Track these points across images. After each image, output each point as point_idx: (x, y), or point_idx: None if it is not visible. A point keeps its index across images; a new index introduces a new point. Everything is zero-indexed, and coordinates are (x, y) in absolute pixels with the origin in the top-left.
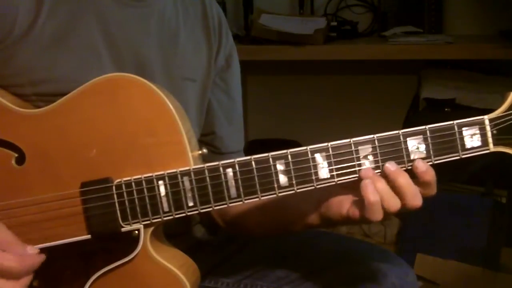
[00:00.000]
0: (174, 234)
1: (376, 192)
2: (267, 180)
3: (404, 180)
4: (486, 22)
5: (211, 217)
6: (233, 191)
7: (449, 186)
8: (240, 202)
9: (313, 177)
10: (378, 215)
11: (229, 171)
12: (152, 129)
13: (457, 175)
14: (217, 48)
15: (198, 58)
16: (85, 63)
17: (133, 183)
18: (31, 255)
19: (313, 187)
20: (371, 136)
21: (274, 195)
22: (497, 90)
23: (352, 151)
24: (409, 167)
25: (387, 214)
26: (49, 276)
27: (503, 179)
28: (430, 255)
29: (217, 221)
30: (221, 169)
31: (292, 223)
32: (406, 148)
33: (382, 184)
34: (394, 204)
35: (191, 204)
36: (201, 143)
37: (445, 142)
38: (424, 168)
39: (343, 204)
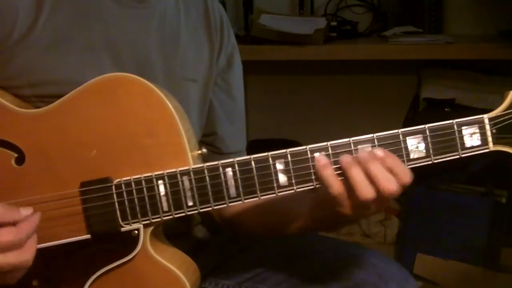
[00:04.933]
0: (174, 234)
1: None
2: (267, 179)
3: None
4: (486, 22)
5: (211, 216)
6: (232, 191)
7: (449, 186)
8: (240, 202)
9: (313, 177)
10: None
11: (229, 170)
12: (152, 129)
13: (457, 175)
14: (219, 48)
15: (200, 59)
16: (85, 65)
17: (132, 183)
18: (26, 220)
19: (312, 187)
20: (371, 135)
21: (274, 195)
22: (497, 90)
23: (351, 150)
24: (409, 167)
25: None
26: (49, 275)
27: (503, 179)
28: (430, 255)
29: (215, 219)
30: (220, 168)
31: (286, 226)
32: (406, 147)
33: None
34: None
35: (190, 203)
36: (202, 143)
37: (444, 141)
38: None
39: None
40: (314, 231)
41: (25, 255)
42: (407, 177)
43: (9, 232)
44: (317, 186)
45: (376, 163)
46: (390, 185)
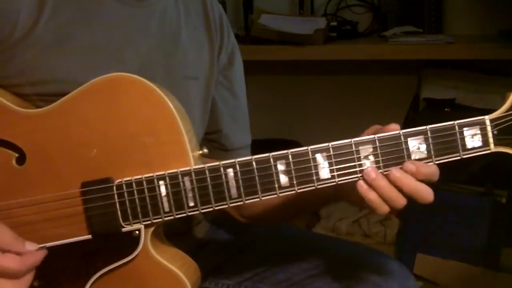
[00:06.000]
0: (174, 234)
1: (371, 190)
2: (268, 180)
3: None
4: (486, 22)
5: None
6: (233, 191)
7: (449, 186)
8: (241, 202)
9: (314, 177)
10: (382, 209)
11: (230, 171)
12: (153, 129)
13: (457, 175)
14: (219, 46)
15: (200, 57)
16: (86, 64)
17: (133, 183)
18: (32, 253)
19: (313, 187)
20: (372, 136)
21: (275, 195)
22: (497, 90)
23: (353, 151)
24: None
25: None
26: (50, 276)
27: (503, 179)
28: (430, 255)
29: (233, 215)
30: (221, 169)
31: (310, 208)
32: (407, 148)
33: (384, 183)
34: (398, 201)
35: (191, 204)
36: (207, 141)
37: (446, 142)
38: (399, 174)
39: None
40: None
41: (19, 287)
42: (434, 176)
43: (14, 260)
44: (318, 187)
45: (409, 178)
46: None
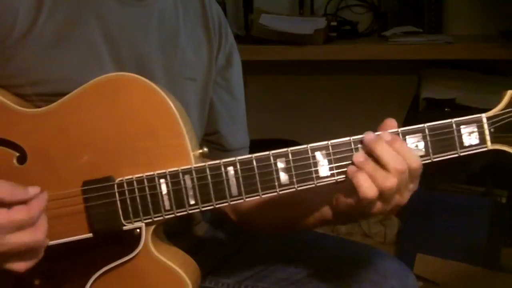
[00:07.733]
0: (174, 233)
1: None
2: (268, 178)
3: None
4: (486, 22)
5: (219, 211)
6: (234, 189)
7: (449, 186)
8: (241, 200)
9: (314, 175)
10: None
11: (230, 169)
12: (153, 129)
13: (457, 175)
14: (218, 47)
15: (199, 58)
16: (85, 63)
17: (134, 182)
18: (36, 197)
19: (313, 185)
20: None
21: (275, 193)
22: (497, 90)
23: (352, 149)
24: None
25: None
26: (51, 274)
27: (503, 179)
28: (430, 255)
29: (230, 215)
30: (222, 167)
31: (305, 218)
32: None
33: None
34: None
35: (192, 202)
36: (206, 142)
37: (443, 140)
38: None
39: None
40: (332, 224)
41: (38, 234)
42: (414, 161)
43: (21, 211)
44: (318, 185)
45: (384, 144)
46: (398, 165)
